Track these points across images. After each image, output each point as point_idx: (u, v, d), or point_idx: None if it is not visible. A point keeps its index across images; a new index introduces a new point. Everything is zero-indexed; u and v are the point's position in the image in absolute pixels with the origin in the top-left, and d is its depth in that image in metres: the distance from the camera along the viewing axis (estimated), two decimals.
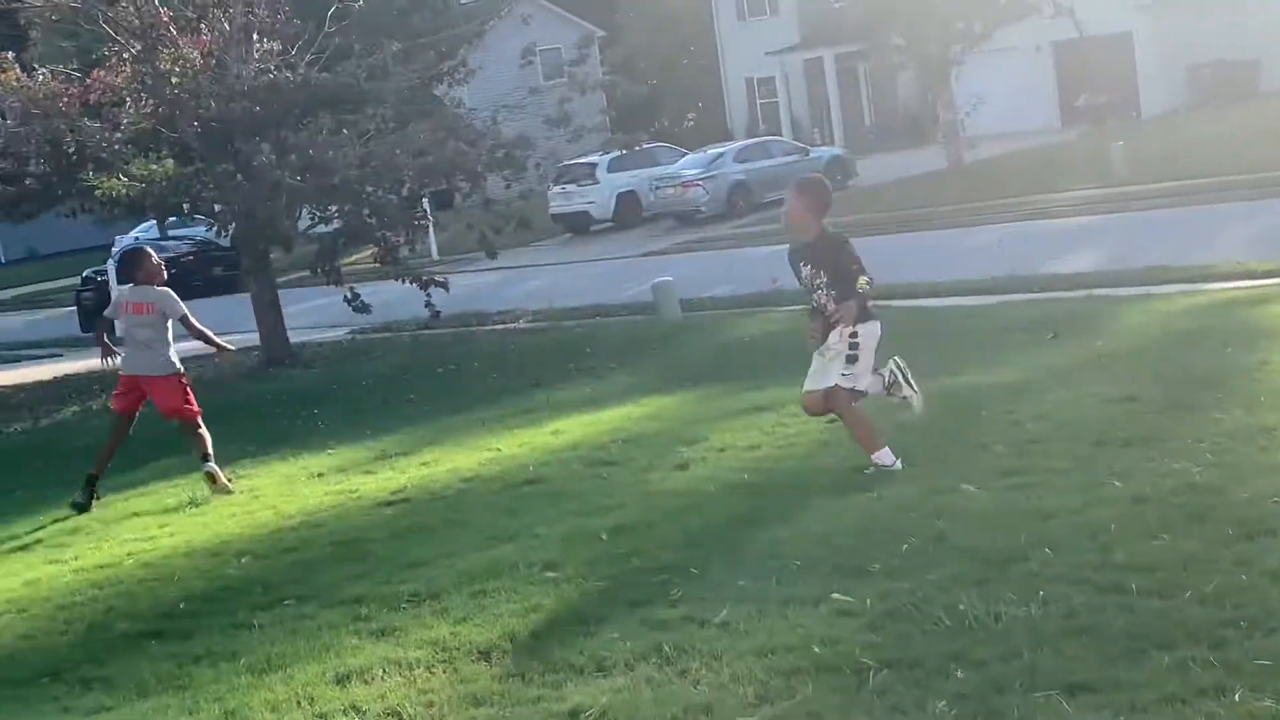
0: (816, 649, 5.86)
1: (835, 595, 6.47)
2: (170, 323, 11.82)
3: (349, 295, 20.48)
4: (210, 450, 11.87)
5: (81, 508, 11.86)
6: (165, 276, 12.12)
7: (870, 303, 8.68)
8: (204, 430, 11.98)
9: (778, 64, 51.97)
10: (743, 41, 54.00)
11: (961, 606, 6.03)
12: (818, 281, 8.75)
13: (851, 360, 8.65)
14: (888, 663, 5.60)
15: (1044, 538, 6.86)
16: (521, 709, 5.82)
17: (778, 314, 18.68)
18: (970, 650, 5.59)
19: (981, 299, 17.21)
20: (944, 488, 8.12)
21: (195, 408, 12.06)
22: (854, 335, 8.60)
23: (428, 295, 20.37)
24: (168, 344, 11.87)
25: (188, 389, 12.07)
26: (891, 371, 9.06)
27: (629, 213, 39.22)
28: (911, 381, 9.10)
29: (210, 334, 12.09)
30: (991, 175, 34.27)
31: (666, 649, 6.14)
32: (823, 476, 8.91)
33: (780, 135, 47.79)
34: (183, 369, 12.04)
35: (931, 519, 7.50)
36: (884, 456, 8.73)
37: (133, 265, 12.02)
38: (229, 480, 11.82)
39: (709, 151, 40.03)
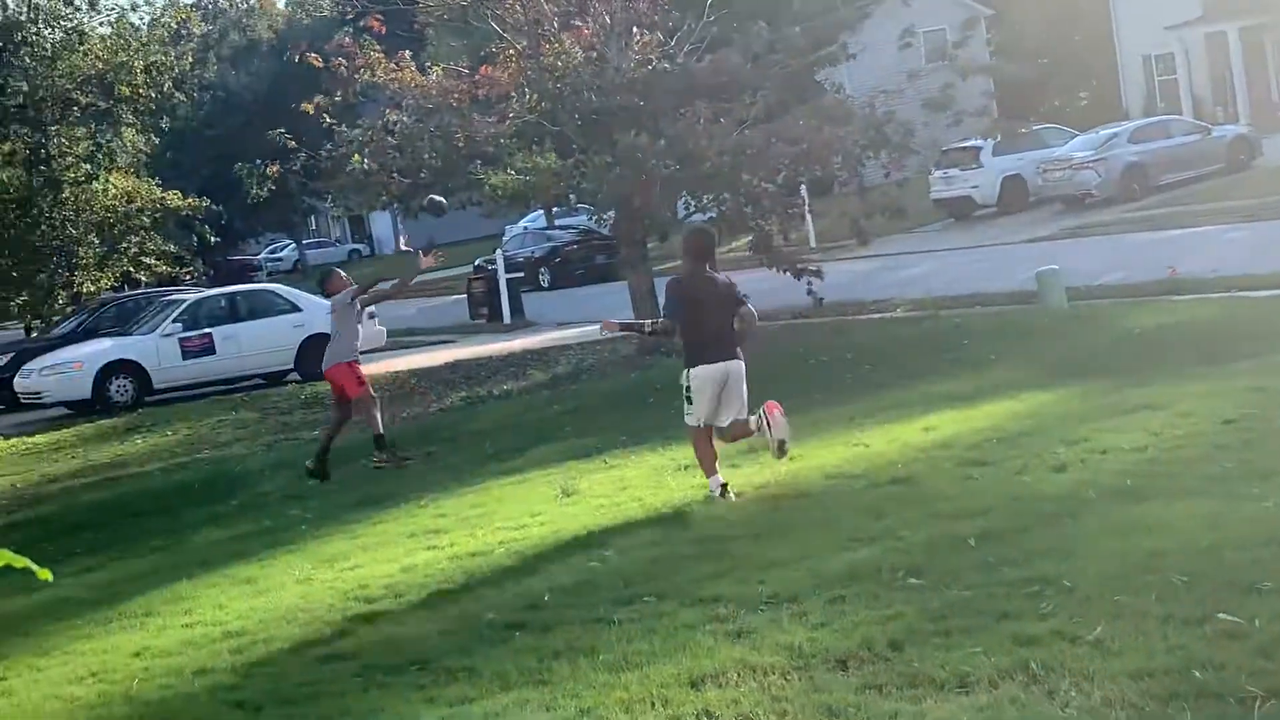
0: (1197, 674, 5.48)
1: (1221, 615, 6.03)
2: (347, 317, 14.02)
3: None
4: (380, 431, 14.08)
5: (313, 474, 14.24)
6: (350, 286, 14.42)
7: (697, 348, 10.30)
8: (375, 412, 14.15)
9: (1177, 39, 49.63)
10: (1139, 16, 51.73)
11: None
12: None
13: (687, 400, 10.23)
14: (1277, 692, 5.17)
15: None
16: None
17: (1174, 304, 17.72)
18: None
19: None
20: None
21: (358, 389, 14.04)
22: (686, 379, 10.25)
23: (808, 284, 20.20)
24: (341, 341, 14.14)
25: (359, 375, 14.16)
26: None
27: (1014, 197, 38.11)
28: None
29: (386, 286, 14.82)
30: None
31: (1034, 666, 5.83)
32: (1213, 483, 8.32)
33: (1180, 114, 45.62)
34: (357, 357, 14.21)
35: None
36: (713, 483, 10.13)
37: (324, 282, 14.57)
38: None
39: (1101, 132, 38.49)
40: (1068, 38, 57.70)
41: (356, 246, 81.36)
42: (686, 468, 11.66)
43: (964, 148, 37.61)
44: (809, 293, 20.34)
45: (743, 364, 10.33)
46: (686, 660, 6.66)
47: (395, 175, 21.10)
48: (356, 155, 21.27)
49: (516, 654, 7.28)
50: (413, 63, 21.87)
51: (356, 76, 21.20)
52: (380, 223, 76.56)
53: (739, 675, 6.35)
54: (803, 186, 23.46)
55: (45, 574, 1.27)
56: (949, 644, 6.28)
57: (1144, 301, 18.55)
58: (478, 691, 6.83)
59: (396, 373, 24.27)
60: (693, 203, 21.17)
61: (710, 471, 10.19)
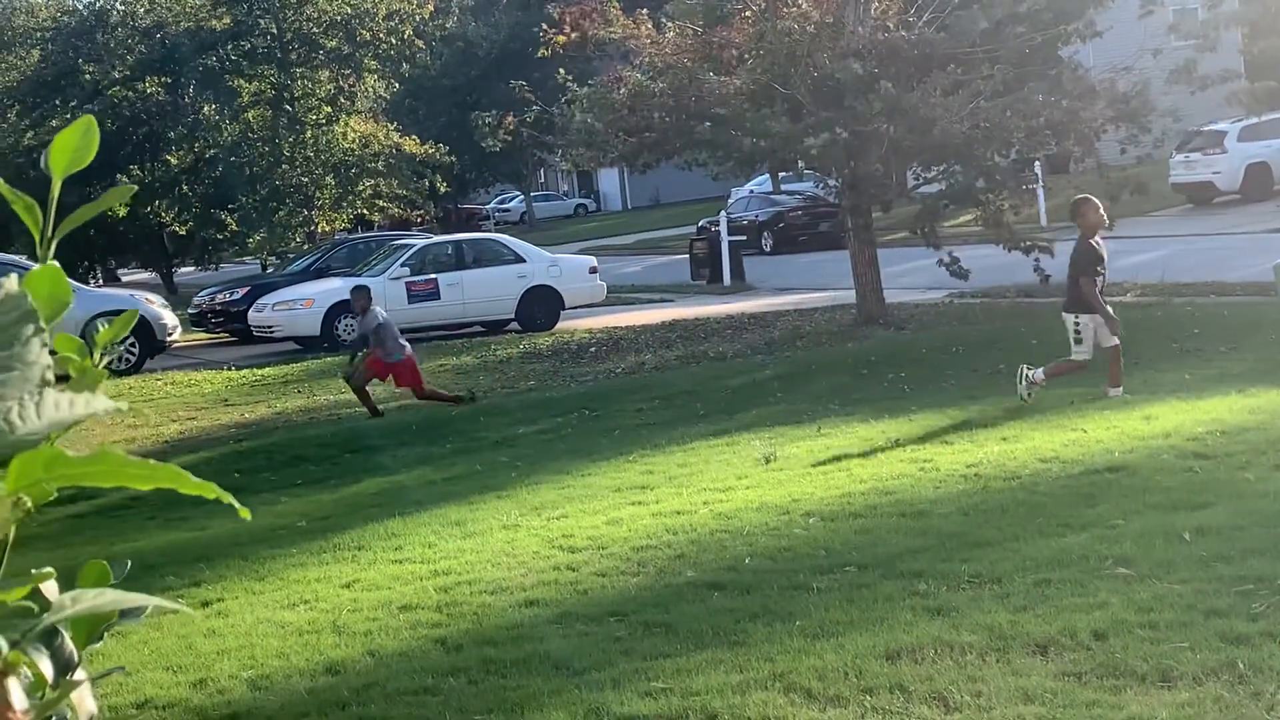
0: None
1: None
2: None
3: (946, 259, 20.21)
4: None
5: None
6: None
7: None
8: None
9: None
10: None
11: None
12: None
13: None
14: None
15: None
16: (1073, 711, 5.51)
17: None
18: None
19: None
20: None
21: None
22: None
23: (1036, 261, 19.80)
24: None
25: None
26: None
27: (1258, 185, 36.75)
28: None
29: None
30: None
31: (1241, 666, 5.67)
32: None
33: None
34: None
35: None
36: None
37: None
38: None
39: None
40: None
41: (583, 201, 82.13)
42: (898, 441, 11.58)
43: (1207, 131, 36.42)
44: (1036, 270, 19.93)
45: (1070, 316, 12.73)
46: (884, 633, 6.63)
47: (623, 133, 21.23)
48: (584, 112, 21.43)
49: (713, 614, 7.32)
50: (649, 20, 21.96)
51: (593, 31, 21.37)
52: (607, 179, 77.24)
53: (936, 652, 6.30)
54: (1037, 163, 22.95)
55: (245, 512, 1.31)
56: (1155, 637, 6.14)
57: None
58: (672, 647, 6.89)
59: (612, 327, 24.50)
60: (922, 174, 20.82)
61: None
